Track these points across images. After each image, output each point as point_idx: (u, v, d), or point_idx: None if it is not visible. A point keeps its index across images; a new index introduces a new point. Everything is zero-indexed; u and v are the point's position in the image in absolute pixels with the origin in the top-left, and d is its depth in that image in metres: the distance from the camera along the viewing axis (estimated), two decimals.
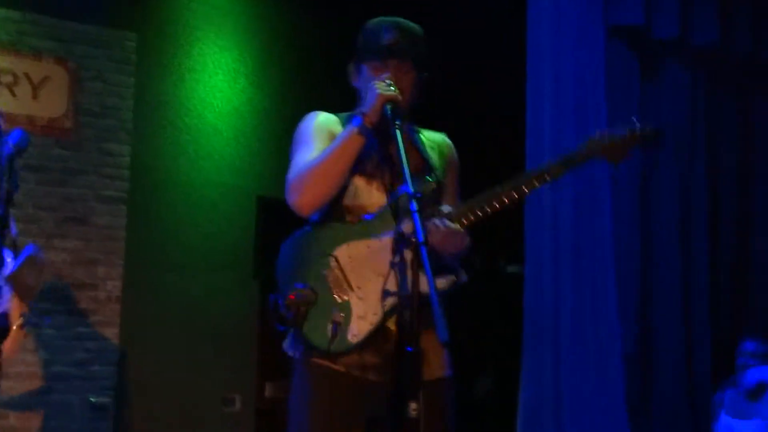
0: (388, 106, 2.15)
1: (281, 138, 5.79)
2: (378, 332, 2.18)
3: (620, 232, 4.27)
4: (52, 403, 4.86)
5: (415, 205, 1.92)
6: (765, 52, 4.73)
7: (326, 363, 2.21)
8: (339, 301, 2.19)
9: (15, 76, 4.99)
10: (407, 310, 2.03)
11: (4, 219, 2.01)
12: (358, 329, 2.17)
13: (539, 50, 4.25)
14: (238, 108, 5.81)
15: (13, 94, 4.96)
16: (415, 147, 2.34)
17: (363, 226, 2.24)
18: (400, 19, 2.34)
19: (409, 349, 1.91)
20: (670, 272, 4.48)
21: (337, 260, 2.21)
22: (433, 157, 2.37)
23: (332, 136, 2.30)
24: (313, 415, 2.25)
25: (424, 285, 1.89)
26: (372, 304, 2.17)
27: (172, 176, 5.51)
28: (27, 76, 5.02)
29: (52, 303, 4.92)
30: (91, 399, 4.96)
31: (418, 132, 2.42)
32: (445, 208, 2.23)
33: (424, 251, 1.85)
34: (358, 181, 2.27)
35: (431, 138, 2.43)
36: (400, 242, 2.10)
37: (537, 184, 2.19)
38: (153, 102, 5.48)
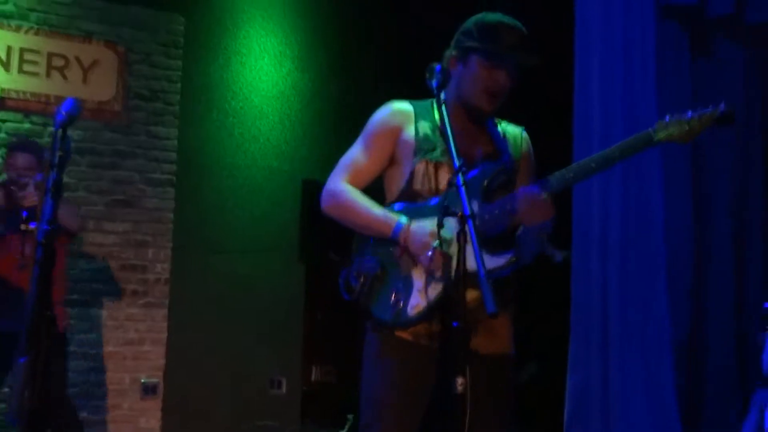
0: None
1: (326, 122, 5.90)
2: (445, 304, 2.23)
3: (671, 217, 4.18)
4: (104, 383, 4.97)
5: (460, 179, 1.98)
6: None
7: (394, 332, 2.30)
8: (403, 275, 2.29)
9: (66, 59, 5.07)
10: (456, 285, 2.06)
11: (59, 183, 2.11)
12: (417, 302, 2.26)
13: (588, 31, 4.18)
14: (283, 91, 5.83)
15: (65, 77, 5.05)
16: (490, 136, 2.43)
17: (430, 207, 2.31)
18: (519, 25, 2.37)
19: (455, 324, 1.92)
20: (722, 258, 4.38)
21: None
22: (509, 147, 2.45)
23: (393, 135, 2.42)
24: (384, 382, 2.31)
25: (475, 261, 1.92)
26: (433, 280, 2.25)
27: (219, 159, 5.57)
28: (77, 59, 5.10)
29: (103, 284, 5.03)
30: (142, 379, 5.08)
31: (498, 124, 2.49)
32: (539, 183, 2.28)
33: (471, 224, 1.90)
34: (427, 167, 2.36)
35: (508, 130, 2.50)
36: (446, 216, 2.17)
37: (606, 166, 2.24)
38: (200, 85, 5.54)
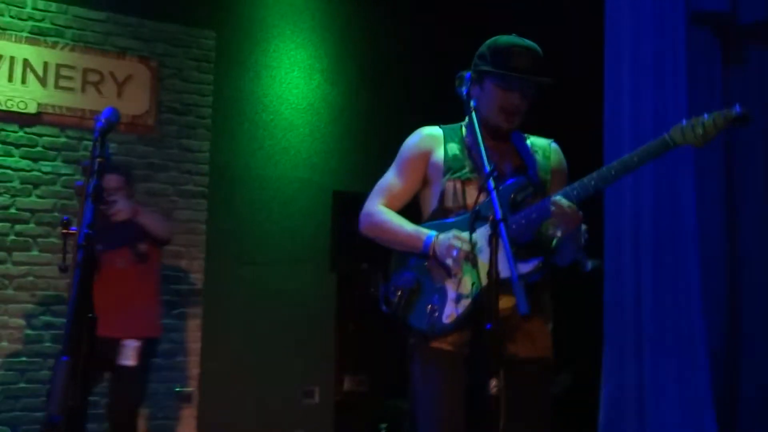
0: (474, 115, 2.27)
1: (356, 134, 5.94)
2: (479, 313, 2.26)
3: (704, 221, 4.15)
4: None
5: (491, 183, 2.02)
6: None
7: (437, 345, 2.37)
8: (437, 286, 2.36)
9: (101, 75, 5.17)
10: (489, 287, 2.08)
11: (99, 189, 2.15)
12: (451, 311, 2.33)
13: (617, 38, 4.17)
14: (313, 104, 5.88)
15: (99, 92, 5.14)
16: (516, 150, 2.50)
17: (461, 221, 2.38)
18: (533, 46, 2.44)
19: (488, 326, 1.95)
20: (757, 262, 4.33)
21: None
22: (538, 160, 2.52)
23: (424, 159, 2.52)
24: (436, 395, 2.37)
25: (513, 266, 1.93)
26: (465, 289, 2.31)
27: (250, 171, 5.63)
28: (112, 74, 5.20)
29: None
30: (176, 388, 5.13)
31: (525, 139, 2.56)
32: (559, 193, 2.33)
33: (502, 228, 1.94)
34: (456, 185, 2.45)
35: (537, 144, 2.57)
36: (475, 221, 2.26)
37: (625, 172, 2.28)
38: (231, 99, 5.61)
